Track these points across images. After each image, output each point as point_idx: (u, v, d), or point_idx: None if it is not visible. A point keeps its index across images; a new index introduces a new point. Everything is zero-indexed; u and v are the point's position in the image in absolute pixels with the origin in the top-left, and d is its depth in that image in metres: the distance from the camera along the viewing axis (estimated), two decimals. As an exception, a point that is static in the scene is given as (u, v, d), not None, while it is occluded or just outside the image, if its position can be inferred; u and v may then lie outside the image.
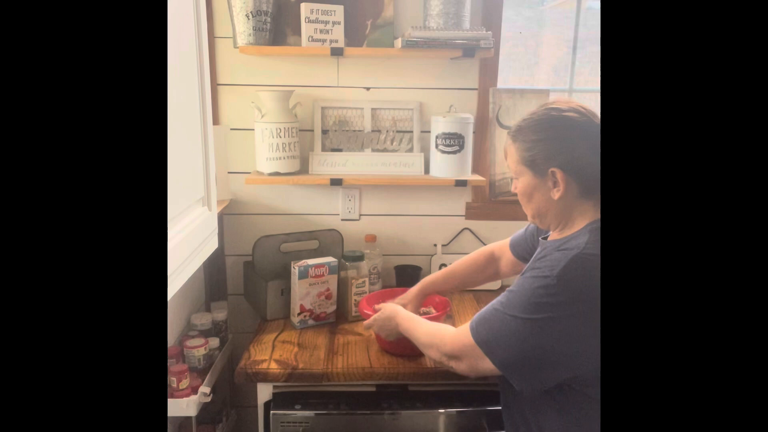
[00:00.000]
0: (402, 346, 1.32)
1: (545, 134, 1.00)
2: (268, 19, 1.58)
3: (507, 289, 1.03)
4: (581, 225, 1.01)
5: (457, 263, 1.44)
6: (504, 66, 1.77)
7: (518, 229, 1.37)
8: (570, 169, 0.99)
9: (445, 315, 1.41)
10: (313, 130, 1.74)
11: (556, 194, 1.00)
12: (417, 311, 1.41)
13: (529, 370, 0.96)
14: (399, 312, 1.25)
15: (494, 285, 1.82)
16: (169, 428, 1.46)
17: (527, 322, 0.93)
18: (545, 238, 1.11)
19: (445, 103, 1.73)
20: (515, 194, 1.10)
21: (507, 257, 1.37)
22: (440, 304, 1.44)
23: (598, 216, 1.01)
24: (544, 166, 1.00)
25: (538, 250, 1.09)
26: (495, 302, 1.01)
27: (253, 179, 1.64)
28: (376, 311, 1.33)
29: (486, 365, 0.99)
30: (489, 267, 1.42)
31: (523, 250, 1.30)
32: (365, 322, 1.35)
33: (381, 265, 1.75)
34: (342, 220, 1.82)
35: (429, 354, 1.14)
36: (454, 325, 1.53)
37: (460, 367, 1.05)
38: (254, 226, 1.80)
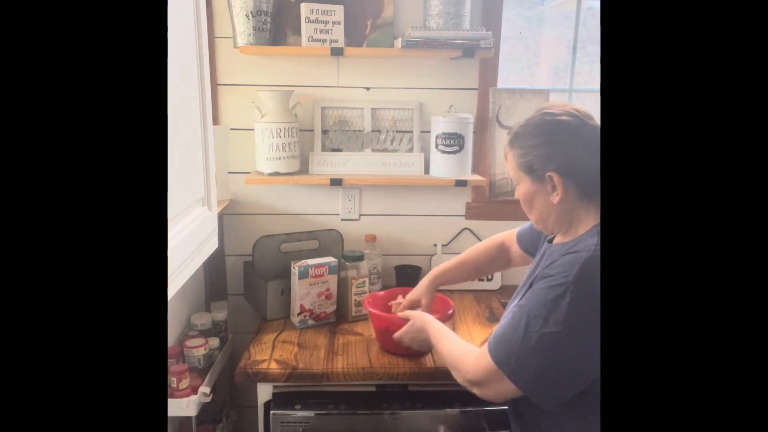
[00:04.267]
0: (402, 347, 1.31)
1: (540, 139, 1.00)
2: (268, 19, 1.58)
3: (517, 303, 1.00)
4: (586, 227, 1.00)
5: (470, 252, 1.43)
6: (504, 66, 1.77)
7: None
8: (567, 173, 0.98)
9: (450, 319, 1.40)
10: (313, 130, 1.74)
11: (555, 198, 1.00)
12: (430, 305, 1.39)
13: (553, 386, 0.92)
14: (430, 324, 1.21)
15: (494, 285, 1.83)
16: (169, 428, 1.46)
17: (548, 336, 0.90)
18: (550, 241, 1.10)
19: (445, 103, 1.73)
20: (515, 194, 1.09)
21: (515, 249, 1.37)
22: (441, 305, 1.43)
23: None
24: (541, 171, 1.00)
25: (545, 254, 1.08)
26: (511, 318, 0.97)
27: (253, 179, 1.64)
28: (395, 314, 1.31)
29: (511, 388, 0.95)
30: (501, 257, 1.41)
31: (530, 243, 1.30)
32: (395, 335, 1.29)
33: (381, 265, 1.75)
34: (342, 220, 1.82)
35: (453, 375, 1.10)
36: (454, 326, 1.54)
37: (484, 393, 1.01)
38: (254, 226, 1.80)
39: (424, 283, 1.42)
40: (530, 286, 1.00)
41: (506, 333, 0.96)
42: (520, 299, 1.00)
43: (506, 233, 1.42)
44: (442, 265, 1.43)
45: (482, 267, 1.43)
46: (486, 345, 1.00)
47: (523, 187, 1.05)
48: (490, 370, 0.97)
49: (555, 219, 1.04)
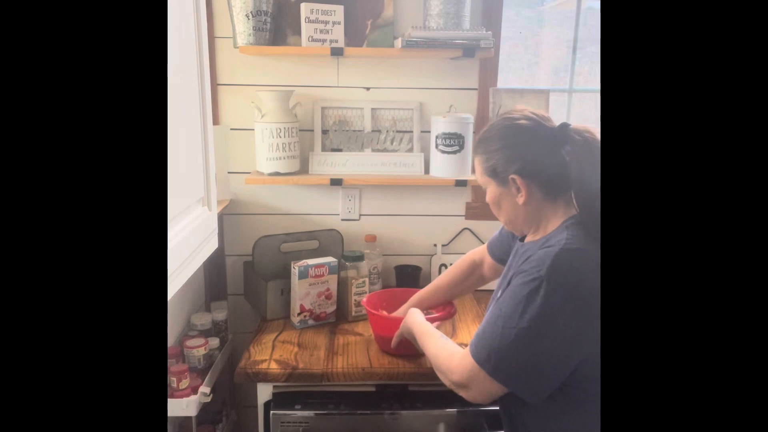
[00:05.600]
0: (402, 347, 1.31)
1: (501, 143, 1.03)
2: (268, 19, 1.58)
3: (496, 300, 1.02)
4: (555, 224, 1.02)
5: (441, 277, 1.44)
6: (504, 66, 1.77)
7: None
8: (528, 174, 1.01)
9: (450, 318, 1.40)
10: (313, 130, 1.74)
11: (520, 199, 1.03)
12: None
13: (535, 379, 0.94)
14: (414, 324, 1.22)
15: (494, 285, 1.82)
16: (169, 428, 1.46)
17: (525, 331, 0.92)
18: (521, 240, 1.11)
19: (445, 103, 1.73)
20: (486, 198, 1.11)
21: (488, 261, 1.38)
22: (443, 305, 1.43)
23: (570, 213, 1.02)
24: (504, 174, 1.03)
25: (517, 252, 1.09)
26: (489, 316, 0.99)
27: (253, 179, 1.64)
28: (380, 313, 1.32)
29: (496, 387, 0.96)
30: (472, 275, 1.42)
31: (501, 251, 1.31)
32: (392, 343, 1.32)
33: (381, 265, 1.75)
34: (342, 220, 1.82)
35: (440, 378, 1.09)
36: (454, 326, 1.54)
37: (470, 395, 1.00)
38: (254, 226, 1.80)
39: (402, 311, 1.41)
40: (509, 283, 1.01)
41: (485, 331, 0.98)
42: (499, 297, 1.02)
43: (476, 249, 1.43)
44: (419, 293, 1.44)
45: (455, 289, 1.43)
46: (468, 346, 1.01)
47: (490, 191, 1.08)
48: (473, 371, 0.97)
49: (523, 219, 1.06)
